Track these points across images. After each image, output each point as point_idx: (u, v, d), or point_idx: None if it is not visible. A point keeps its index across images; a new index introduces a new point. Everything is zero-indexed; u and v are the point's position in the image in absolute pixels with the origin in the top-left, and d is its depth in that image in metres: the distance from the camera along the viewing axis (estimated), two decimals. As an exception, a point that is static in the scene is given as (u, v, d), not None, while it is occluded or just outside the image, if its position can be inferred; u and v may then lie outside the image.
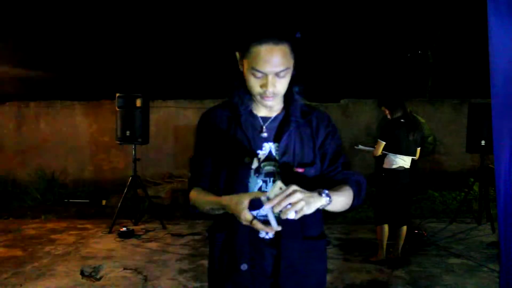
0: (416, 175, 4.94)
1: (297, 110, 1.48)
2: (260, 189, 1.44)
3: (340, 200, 1.33)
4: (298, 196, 1.15)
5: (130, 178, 5.82)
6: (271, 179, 1.44)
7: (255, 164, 1.43)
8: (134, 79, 11.17)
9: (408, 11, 11.18)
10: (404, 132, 4.19)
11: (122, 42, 11.84)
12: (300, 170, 1.43)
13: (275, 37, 1.32)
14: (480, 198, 5.84)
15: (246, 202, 1.23)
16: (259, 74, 1.35)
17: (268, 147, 1.45)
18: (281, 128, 1.47)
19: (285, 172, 1.42)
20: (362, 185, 1.45)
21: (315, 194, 1.22)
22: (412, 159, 4.31)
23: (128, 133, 5.73)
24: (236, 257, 1.43)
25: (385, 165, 4.27)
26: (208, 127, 1.51)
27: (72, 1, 11.24)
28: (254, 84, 1.38)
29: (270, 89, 1.36)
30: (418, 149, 4.36)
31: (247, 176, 1.43)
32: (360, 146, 4.77)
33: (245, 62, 1.38)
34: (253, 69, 1.35)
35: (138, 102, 5.74)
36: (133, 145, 5.88)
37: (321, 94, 8.07)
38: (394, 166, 4.22)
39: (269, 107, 1.47)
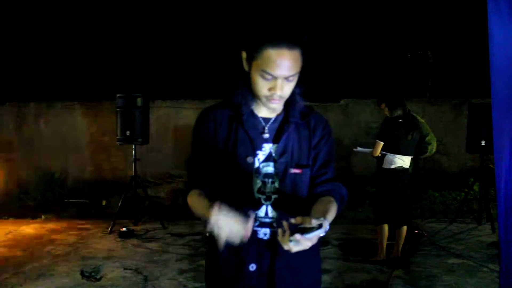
0: (417, 175, 4.94)
1: (296, 111, 1.48)
2: (259, 189, 1.45)
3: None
4: (307, 244, 1.19)
5: (130, 178, 5.82)
6: (270, 180, 1.44)
7: (256, 165, 1.44)
8: (134, 79, 11.16)
9: (408, 11, 11.17)
10: (403, 132, 4.18)
11: (122, 42, 11.83)
12: (297, 171, 1.44)
13: (289, 41, 1.32)
14: (480, 198, 5.84)
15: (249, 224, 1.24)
16: (268, 77, 1.34)
17: (268, 148, 1.45)
18: (280, 129, 1.47)
19: (283, 173, 1.43)
20: (344, 201, 1.47)
21: (318, 230, 1.22)
22: (412, 159, 4.30)
23: (128, 133, 5.74)
24: (245, 258, 1.43)
25: (384, 165, 4.27)
26: (208, 127, 1.47)
27: (73, 1, 11.24)
28: (262, 86, 1.37)
29: (278, 92, 1.36)
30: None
31: (250, 176, 1.43)
32: (359, 148, 4.77)
33: (254, 64, 1.36)
34: (264, 71, 1.33)
35: (138, 102, 5.75)
36: (133, 145, 5.89)
37: (321, 94, 8.06)
38: (393, 166, 4.22)
39: (273, 109, 1.46)
